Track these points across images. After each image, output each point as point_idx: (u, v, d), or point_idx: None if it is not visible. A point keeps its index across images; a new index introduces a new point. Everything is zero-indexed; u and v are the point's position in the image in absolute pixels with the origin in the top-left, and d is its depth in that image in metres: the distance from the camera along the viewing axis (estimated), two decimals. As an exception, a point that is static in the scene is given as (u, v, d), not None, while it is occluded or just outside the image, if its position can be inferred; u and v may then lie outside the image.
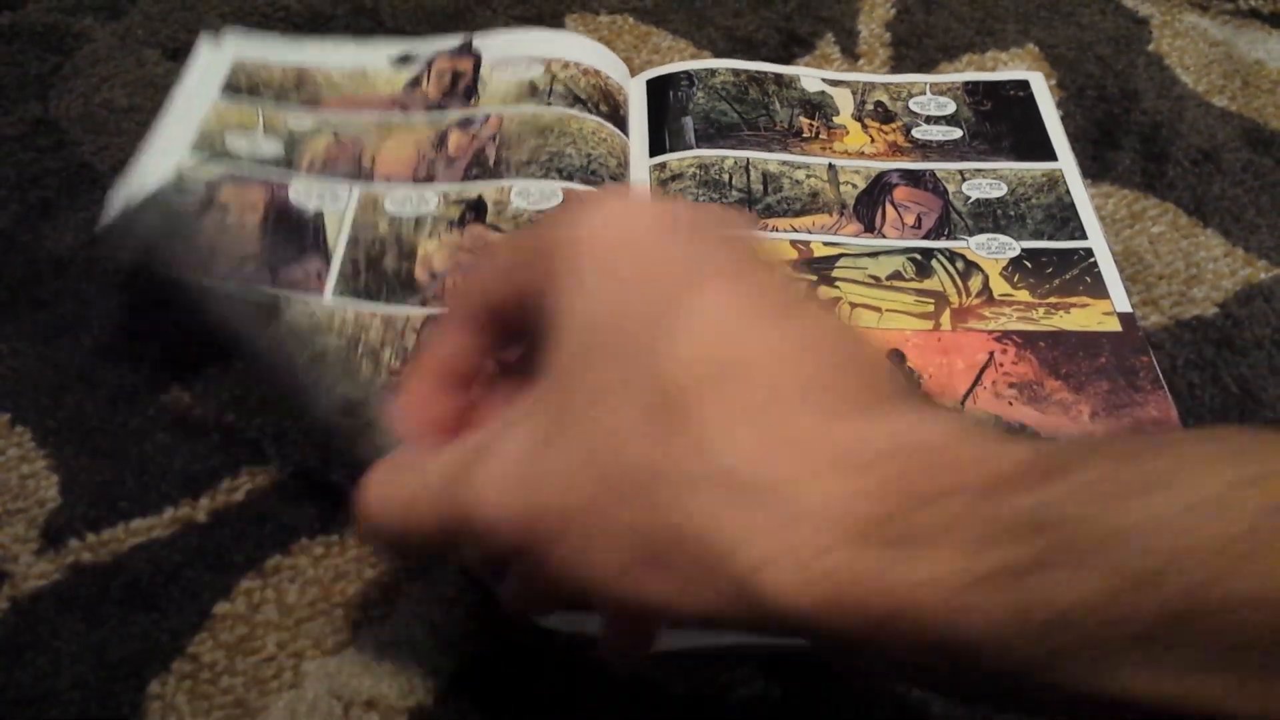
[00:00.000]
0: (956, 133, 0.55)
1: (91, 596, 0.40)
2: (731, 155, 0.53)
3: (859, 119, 0.56)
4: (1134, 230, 0.53)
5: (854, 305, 0.47)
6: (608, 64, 0.57)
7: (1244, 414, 0.46)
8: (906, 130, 0.56)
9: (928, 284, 0.49)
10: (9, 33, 0.61)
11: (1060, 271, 0.49)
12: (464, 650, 0.39)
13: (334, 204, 0.49)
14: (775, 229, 0.50)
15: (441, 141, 0.52)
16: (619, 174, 0.51)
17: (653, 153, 0.53)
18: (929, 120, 0.56)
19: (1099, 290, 0.49)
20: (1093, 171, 0.55)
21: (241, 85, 0.54)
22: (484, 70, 0.55)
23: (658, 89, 0.56)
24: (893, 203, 0.52)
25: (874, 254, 0.50)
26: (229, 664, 0.39)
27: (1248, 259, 0.52)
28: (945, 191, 0.52)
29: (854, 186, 0.52)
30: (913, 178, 0.53)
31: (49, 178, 0.54)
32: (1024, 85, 0.58)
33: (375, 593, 0.41)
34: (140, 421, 0.45)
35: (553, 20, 0.63)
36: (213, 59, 0.55)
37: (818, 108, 0.56)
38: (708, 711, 0.39)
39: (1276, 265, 0.52)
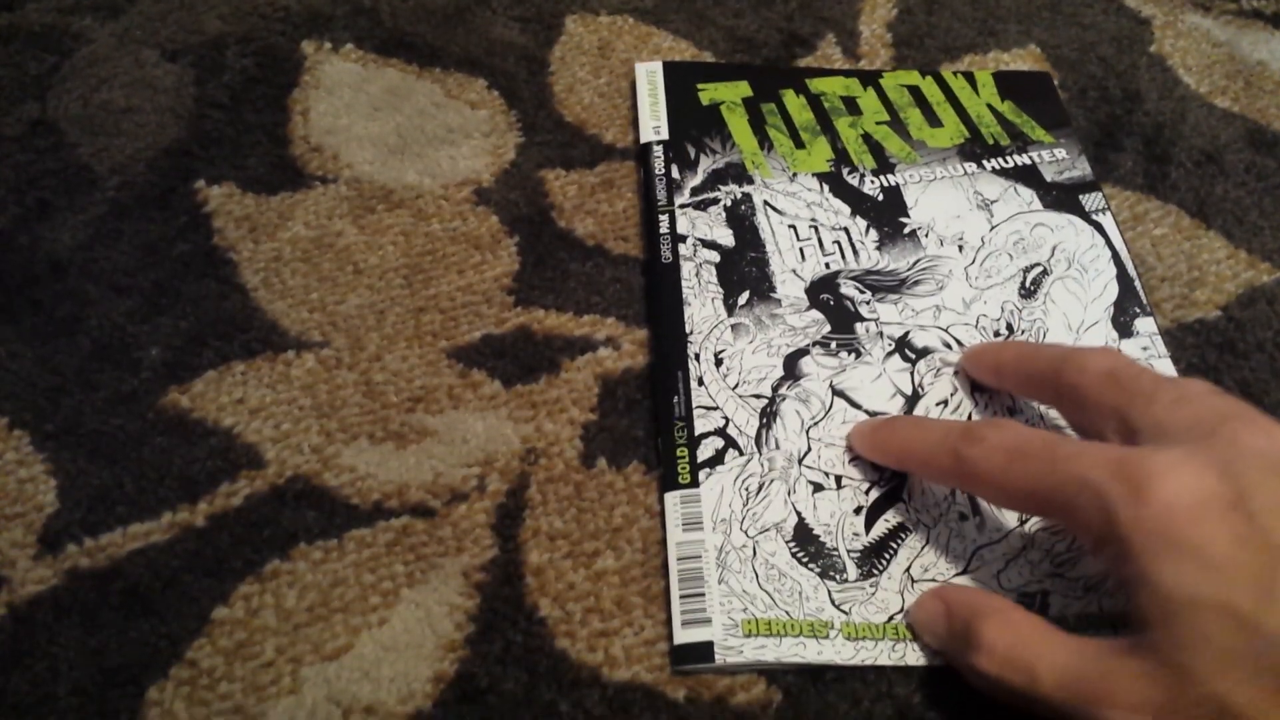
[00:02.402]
0: None
1: (89, 602, 0.40)
2: None
3: None
4: (1136, 232, 0.53)
5: None
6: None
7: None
8: None
9: None
10: (7, 33, 0.60)
11: None
12: (463, 656, 0.39)
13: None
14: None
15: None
16: None
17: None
18: None
19: None
20: (1096, 173, 0.55)
21: None
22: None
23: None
24: None
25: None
26: (227, 670, 0.39)
27: (1250, 261, 0.52)
28: None
29: None
30: None
31: (47, 179, 0.54)
32: None
33: (374, 598, 0.41)
34: (139, 425, 0.45)
35: (552, 20, 0.62)
36: None
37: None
38: (707, 717, 0.38)
39: (1279, 267, 0.52)
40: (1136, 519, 0.32)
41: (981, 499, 0.40)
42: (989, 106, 0.58)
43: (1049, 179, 0.54)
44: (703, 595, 0.40)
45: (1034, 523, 0.42)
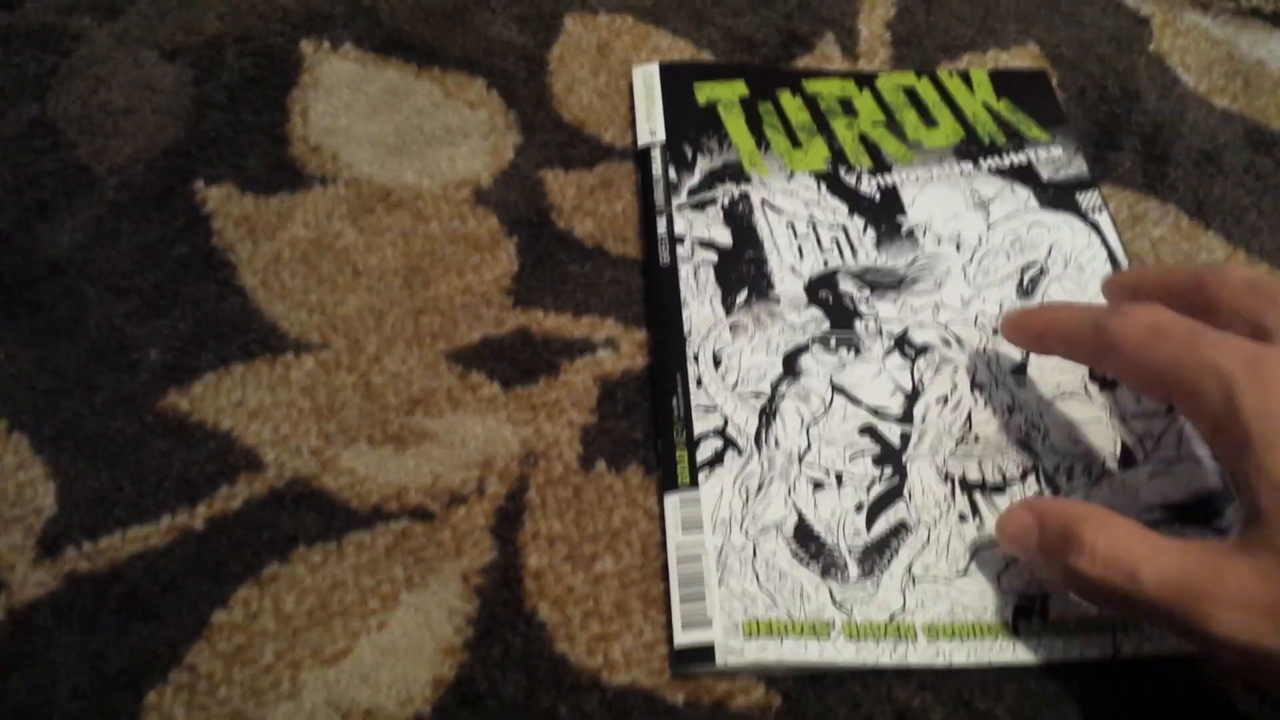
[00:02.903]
0: None
1: (88, 606, 0.40)
2: None
3: None
4: (1135, 232, 0.53)
5: None
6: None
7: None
8: None
9: None
10: (6, 33, 0.60)
11: None
12: (462, 660, 0.39)
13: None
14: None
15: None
16: None
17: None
18: None
19: None
20: (1094, 172, 0.54)
21: None
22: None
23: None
24: None
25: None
26: (226, 674, 0.39)
27: (1250, 260, 0.52)
28: None
29: None
30: None
31: (46, 179, 0.53)
32: None
33: (373, 602, 0.41)
34: (137, 428, 0.45)
35: (551, 20, 0.62)
36: None
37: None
38: (707, 721, 0.38)
39: (1279, 267, 0.52)
40: (1262, 410, 0.32)
41: (1114, 374, 0.40)
42: (985, 105, 0.58)
43: (1045, 178, 0.54)
44: (703, 597, 0.40)
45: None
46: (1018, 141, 0.56)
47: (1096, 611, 0.40)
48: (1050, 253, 0.51)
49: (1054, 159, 0.55)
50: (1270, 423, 0.32)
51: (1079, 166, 0.54)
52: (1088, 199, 0.53)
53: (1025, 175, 0.54)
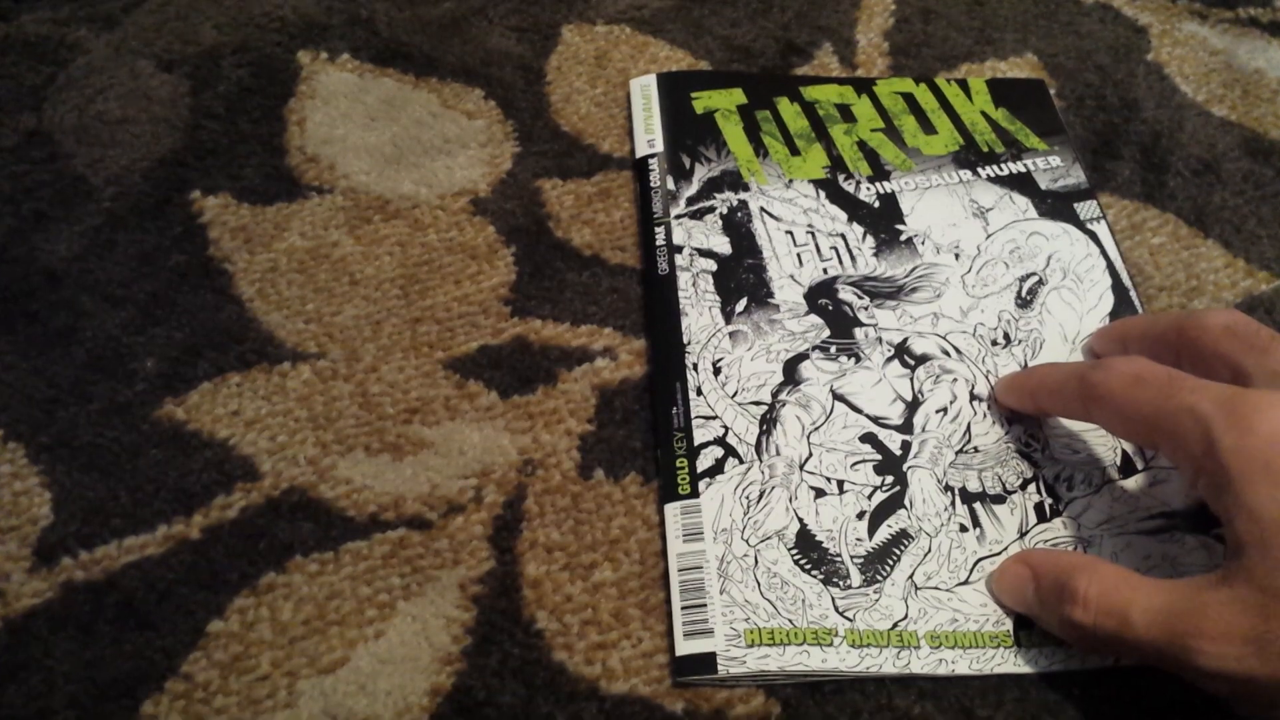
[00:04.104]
0: None
1: (84, 615, 0.40)
2: None
3: None
4: (1134, 241, 0.53)
5: None
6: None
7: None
8: None
9: None
10: (2, 44, 0.60)
11: None
12: (460, 669, 0.39)
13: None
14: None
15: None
16: None
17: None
18: None
19: None
20: (1093, 181, 0.54)
21: None
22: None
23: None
24: None
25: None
26: (223, 683, 0.39)
27: (1249, 270, 0.52)
28: None
29: None
30: None
31: (42, 190, 0.53)
32: None
33: (370, 611, 0.40)
34: (133, 437, 0.45)
35: (549, 30, 0.62)
36: None
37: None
38: (707, 730, 0.38)
39: (1278, 276, 0.52)
40: (1238, 447, 0.33)
41: (1102, 424, 0.40)
42: (983, 114, 0.58)
43: (1044, 187, 0.54)
44: (704, 606, 0.40)
45: (1034, 535, 0.42)
46: (1016, 150, 0.56)
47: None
48: (1049, 262, 0.51)
49: (1052, 168, 0.55)
50: (1247, 459, 0.33)
51: (1077, 175, 0.54)
52: (1086, 208, 0.53)
53: (1024, 184, 0.54)
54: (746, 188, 0.53)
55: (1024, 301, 0.50)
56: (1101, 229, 0.52)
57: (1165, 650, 0.33)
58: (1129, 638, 0.34)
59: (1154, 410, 0.36)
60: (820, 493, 0.43)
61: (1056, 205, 0.53)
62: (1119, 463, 0.44)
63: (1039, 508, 0.43)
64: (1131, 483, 0.43)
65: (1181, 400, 0.35)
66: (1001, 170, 0.55)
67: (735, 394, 0.46)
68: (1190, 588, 0.34)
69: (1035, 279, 0.50)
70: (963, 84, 0.59)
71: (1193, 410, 0.35)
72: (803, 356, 0.47)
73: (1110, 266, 0.51)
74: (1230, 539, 0.34)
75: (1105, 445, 0.45)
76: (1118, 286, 0.50)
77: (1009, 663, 0.39)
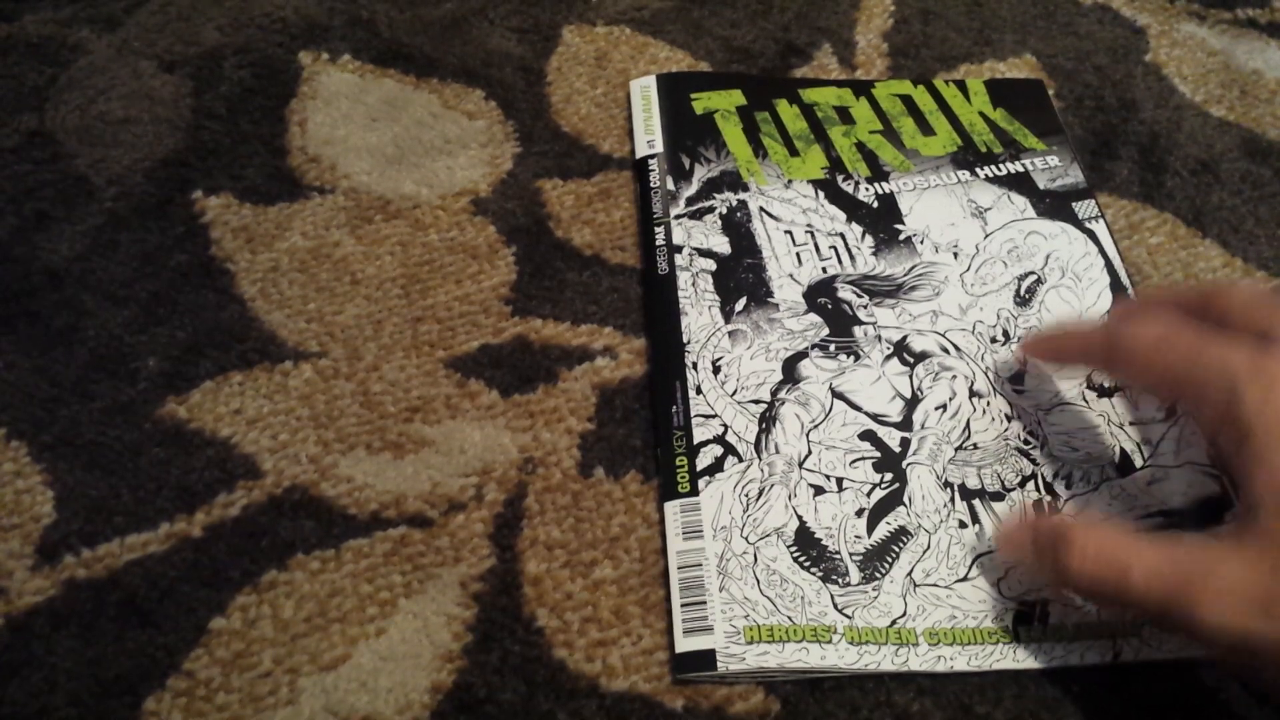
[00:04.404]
0: None
1: (87, 613, 0.40)
2: None
3: None
4: (1132, 241, 0.53)
5: None
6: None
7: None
8: None
9: None
10: (5, 44, 0.60)
11: None
12: (461, 666, 0.39)
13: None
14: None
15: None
16: None
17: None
18: None
19: None
20: (1091, 181, 0.55)
21: None
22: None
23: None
24: None
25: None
26: (225, 680, 0.39)
27: (1247, 269, 0.52)
28: None
29: None
30: None
31: (45, 190, 0.53)
32: None
33: (372, 608, 0.41)
34: (136, 436, 0.45)
35: (549, 31, 0.63)
36: None
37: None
38: (706, 727, 0.38)
39: (1276, 275, 0.52)
40: (1262, 404, 0.34)
41: (1127, 380, 0.41)
42: (981, 114, 0.58)
43: (1042, 186, 0.54)
44: (704, 603, 0.40)
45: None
46: (1014, 150, 0.56)
47: (1096, 617, 0.40)
48: (1047, 261, 0.51)
49: (1050, 168, 0.55)
50: (1270, 417, 0.33)
51: (1075, 175, 0.55)
52: (1084, 208, 0.53)
53: (1022, 184, 0.54)
54: (746, 188, 0.54)
55: (1023, 300, 0.50)
56: (1100, 228, 0.52)
57: (1167, 604, 0.33)
58: (1128, 590, 0.34)
59: (1182, 365, 0.37)
60: (819, 490, 0.43)
61: (1055, 205, 0.53)
62: (1117, 460, 0.44)
63: (1037, 505, 0.43)
64: (1130, 481, 0.44)
65: (1210, 356, 0.36)
66: (1000, 170, 0.55)
67: (735, 392, 0.46)
68: (1195, 546, 0.34)
69: (1034, 278, 0.51)
70: (961, 85, 0.59)
71: (1220, 366, 0.35)
72: (802, 355, 0.47)
73: (1109, 265, 0.51)
74: (1245, 497, 0.34)
75: (1104, 443, 0.45)
76: (1116, 285, 0.50)
77: (1007, 659, 0.39)
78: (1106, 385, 0.46)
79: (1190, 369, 0.36)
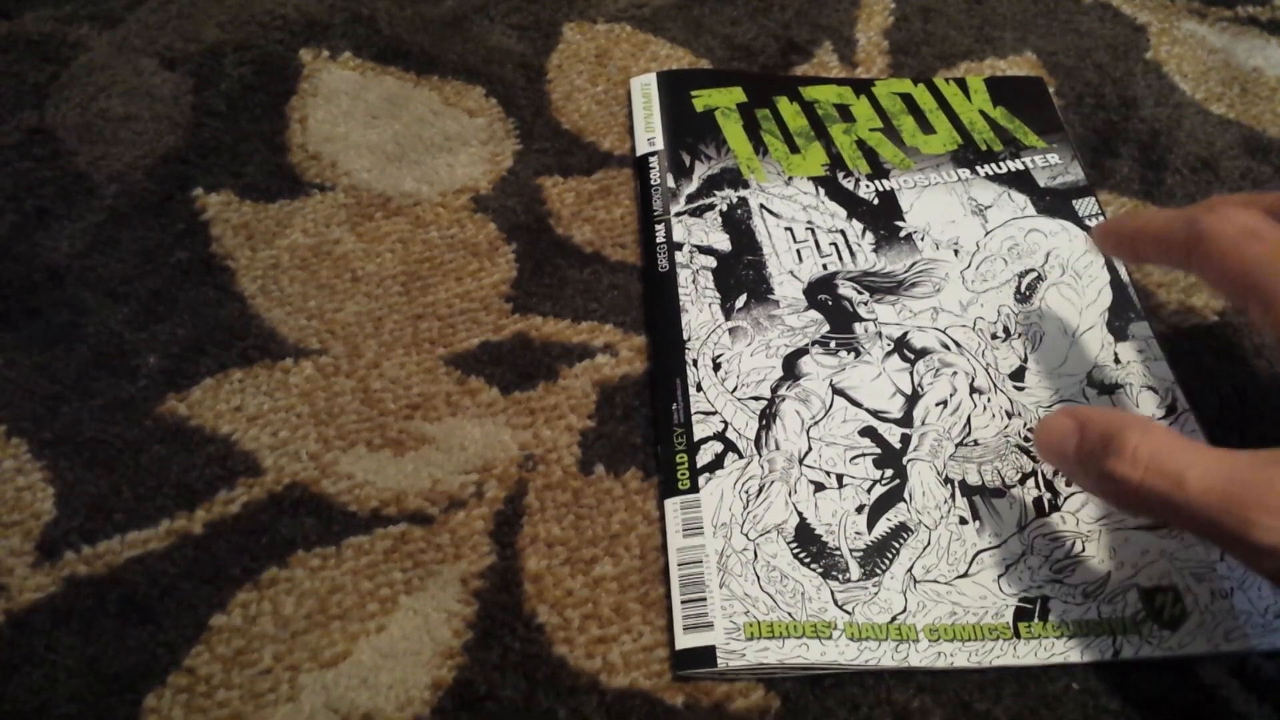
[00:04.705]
0: None
1: (87, 610, 0.40)
2: None
3: None
4: (1133, 238, 0.53)
5: None
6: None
7: (1244, 423, 0.46)
8: None
9: None
10: (5, 41, 0.60)
11: None
12: (461, 663, 0.39)
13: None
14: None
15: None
16: None
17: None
18: None
19: None
20: (1092, 179, 0.55)
21: None
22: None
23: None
24: None
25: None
26: (225, 677, 0.39)
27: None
28: None
29: None
30: None
31: (45, 187, 0.54)
32: None
33: (372, 605, 0.41)
34: (136, 433, 0.45)
35: (550, 28, 0.63)
36: None
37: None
38: (707, 723, 0.38)
39: (1275, 273, 0.52)
40: None
41: (1199, 273, 0.38)
42: (981, 112, 0.58)
43: (1042, 184, 0.54)
44: (704, 600, 0.40)
45: (1033, 529, 0.42)
46: (1015, 148, 0.56)
47: (1097, 614, 0.40)
48: (1048, 259, 0.51)
49: (1051, 166, 0.55)
50: None
51: (1076, 173, 0.55)
52: (1085, 205, 0.53)
53: (1022, 182, 0.54)
54: (746, 185, 0.54)
55: (1023, 297, 0.50)
56: None
57: (1219, 519, 0.31)
58: (1180, 501, 0.32)
59: (1261, 266, 0.35)
60: (820, 487, 0.43)
61: (1055, 202, 0.53)
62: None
63: (1038, 502, 0.43)
64: None
65: None
66: (1000, 168, 0.55)
67: (735, 389, 0.46)
68: (1255, 459, 0.32)
69: (1034, 275, 0.51)
70: (961, 83, 0.59)
71: None
72: (802, 351, 0.47)
73: (1109, 262, 0.51)
74: None
75: None
76: (1116, 283, 0.50)
77: (1008, 655, 0.39)
78: (1107, 383, 0.46)
79: (1268, 272, 0.34)
